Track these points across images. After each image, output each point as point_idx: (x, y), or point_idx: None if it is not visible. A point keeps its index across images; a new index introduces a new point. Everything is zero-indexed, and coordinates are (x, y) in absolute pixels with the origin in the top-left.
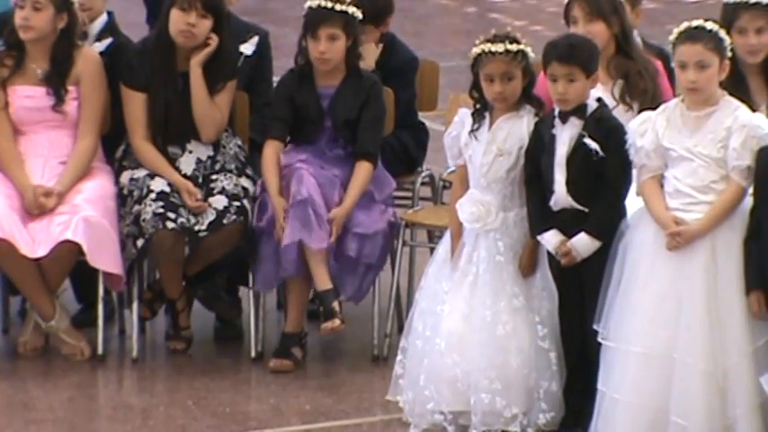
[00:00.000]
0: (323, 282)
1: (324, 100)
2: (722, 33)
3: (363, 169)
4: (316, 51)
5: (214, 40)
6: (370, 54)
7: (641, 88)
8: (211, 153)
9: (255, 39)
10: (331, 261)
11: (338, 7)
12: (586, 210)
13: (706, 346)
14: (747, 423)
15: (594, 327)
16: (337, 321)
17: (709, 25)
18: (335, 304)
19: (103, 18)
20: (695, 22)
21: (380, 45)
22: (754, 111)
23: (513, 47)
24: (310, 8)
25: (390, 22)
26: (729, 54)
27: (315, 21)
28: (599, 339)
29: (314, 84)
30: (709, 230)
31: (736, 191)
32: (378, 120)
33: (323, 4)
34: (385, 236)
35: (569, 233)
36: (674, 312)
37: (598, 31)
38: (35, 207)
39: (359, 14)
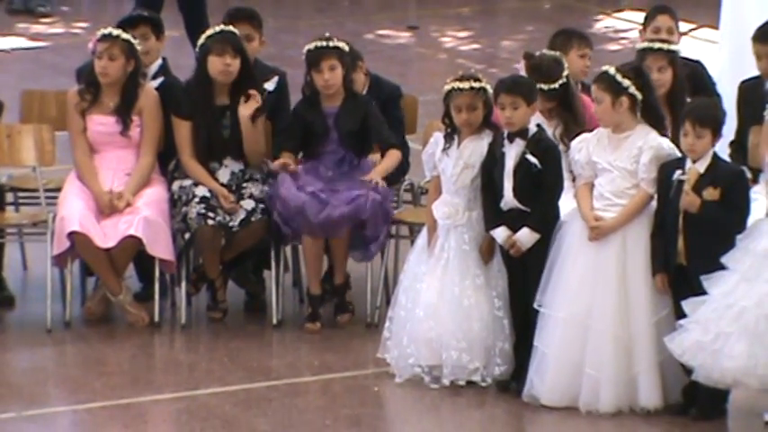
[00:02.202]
0: (341, 276)
1: (329, 118)
2: (618, 77)
3: (393, 154)
4: (321, 80)
5: (256, 98)
6: (360, 83)
7: (575, 132)
8: (242, 167)
9: (276, 78)
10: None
11: (331, 44)
12: (528, 210)
13: (616, 315)
14: (648, 376)
15: (536, 306)
16: (348, 315)
17: (611, 70)
18: (347, 298)
19: (159, 62)
20: (603, 68)
21: (367, 77)
22: (662, 131)
23: (477, 84)
24: (309, 50)
25: (363, 66)
26: (629, 91)
27: (316, 57)
28: (535, 306)
29: (320, 106)
30: (621, 226)
31: (644, 197)
32: (382, 123)
33: (319, 44)
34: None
35: (516, 228)
36: (592, 288)
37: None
38: (107, 208)
39: (347, 47)
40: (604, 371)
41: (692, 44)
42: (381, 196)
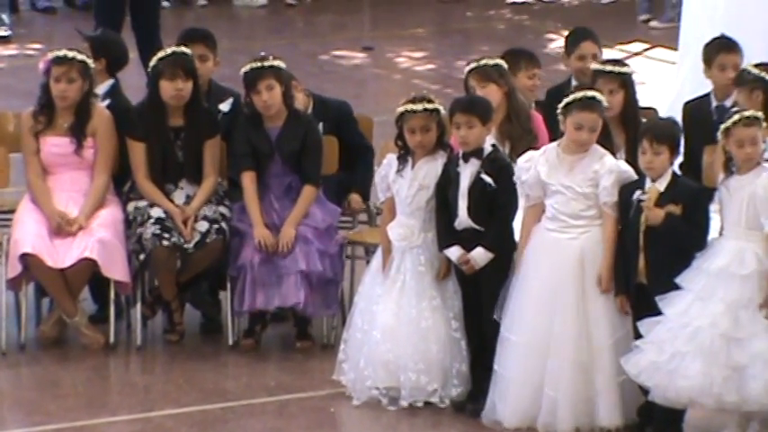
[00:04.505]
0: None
1: (272, 138)
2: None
3: (307, 191)
4: (260, 102)
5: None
6: (301, 101)
7: (522, 147)
8: (197, 189)
9: (231, 99)
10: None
11: (267, 63)
12: (482, 229)
13: (575, 337)
14: (607, 395)
15: (495, 317)
16: (309, 343)
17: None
18: (310, 328)
19: (109, 82)
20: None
21: (309, 98)
22: (614, 152)
23: (430, 106)
24: (245, 72)
25: (298, 85)
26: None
27: (252, 78)
28: (501, 330)
29: (263, 125)
30: (611, 262)
31: (613, 222)
32: (316, 151)
33: (255, 65)
34: (340, 254)
35: (470, 248)
36: (551, 310)
37: (491, 92)
38: (59, 230)
39: (283, 65)
40: (562, 391)
41: (649, 65)
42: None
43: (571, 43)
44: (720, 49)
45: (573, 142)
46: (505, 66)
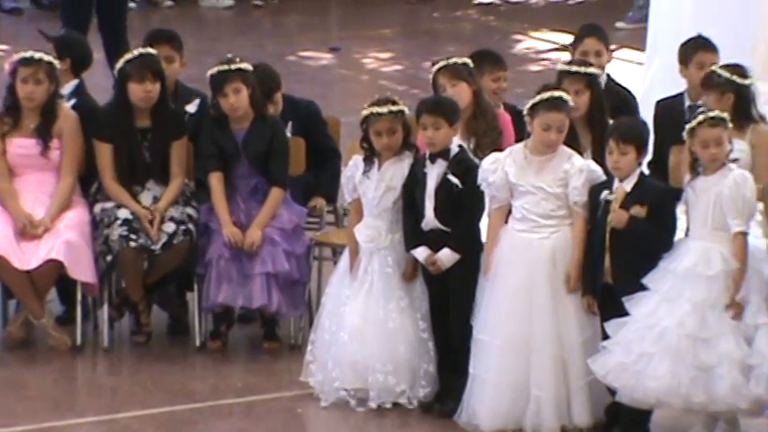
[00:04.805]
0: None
1: (238, 139)
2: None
3: (275, 193)
4: (227, 105)
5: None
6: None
7: (486, 143)
8: (164, 190)
9: (197, 100)
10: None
11: (233, 66)
12: (449, 230)
13: (553, 334)
14: (578, 395)
15: (472, 323)
16: (276, 344)
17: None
18: (278, 330)
19: (74, 82)
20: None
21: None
22: (581, 153)
23: (395, 107)
24: (212, 75)
25: (278, 100)
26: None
27: (219, 82)
28: (475, 332)
29: (229, 127)
30: (580, 260)
31: (583, 221)
32: (283, 152)
33: (221, 68)
34: (307, 255)
35: (436, 248)
36: (527, 310)
37: (461, 90)
38: (25, 232)
39: (250, 67)
40: (546, 390)
41: (616, 65)
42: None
43: (577, 39)
44: (698, 48)
45: (541, 143)
46: (472, 64)
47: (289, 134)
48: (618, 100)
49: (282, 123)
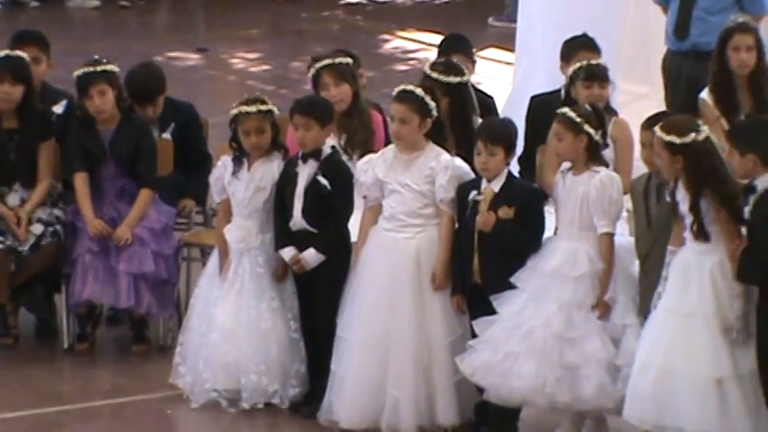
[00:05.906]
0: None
1: (105, 141)
2: (428, 98)
3: (143, 194)
4: (92, 107)
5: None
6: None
7: (357, 141)
8: (31, 192)
9: (65, 101)
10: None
11: (99, 68)
12: (316, 231)
13: (414, 335)
14: (445, 394)
15: (337, 321)
16: (145, 347)
17: (418, 90)
18: (147, 332)
19: None
20: (408, 87)
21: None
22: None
23: (264, 107)
24: (78, 76)
25: (160, 102)
26: (434, 113)
27: (84, 84)
28: (338, 330)
29: (96, 128)
30: (446, 258)
31: (449, 219)
32: (150, 154)
33: (87, 70)
34: (176, 256)
35: (303, 249)
36: (389, 309)
37: (345, 91)
38: None
39: (116, 69)
40: (404, 389)
41: (484, 66)
42: (157, 271)
43: (570, 52)
44: (583, 46)
45: (392, 134)
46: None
47: (169, 136)
48: (480, 104)
49: (149, 125)
